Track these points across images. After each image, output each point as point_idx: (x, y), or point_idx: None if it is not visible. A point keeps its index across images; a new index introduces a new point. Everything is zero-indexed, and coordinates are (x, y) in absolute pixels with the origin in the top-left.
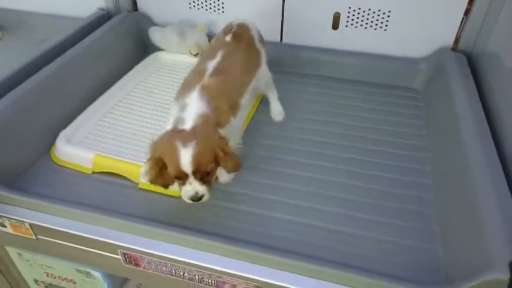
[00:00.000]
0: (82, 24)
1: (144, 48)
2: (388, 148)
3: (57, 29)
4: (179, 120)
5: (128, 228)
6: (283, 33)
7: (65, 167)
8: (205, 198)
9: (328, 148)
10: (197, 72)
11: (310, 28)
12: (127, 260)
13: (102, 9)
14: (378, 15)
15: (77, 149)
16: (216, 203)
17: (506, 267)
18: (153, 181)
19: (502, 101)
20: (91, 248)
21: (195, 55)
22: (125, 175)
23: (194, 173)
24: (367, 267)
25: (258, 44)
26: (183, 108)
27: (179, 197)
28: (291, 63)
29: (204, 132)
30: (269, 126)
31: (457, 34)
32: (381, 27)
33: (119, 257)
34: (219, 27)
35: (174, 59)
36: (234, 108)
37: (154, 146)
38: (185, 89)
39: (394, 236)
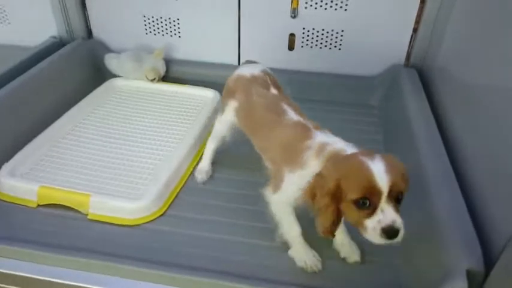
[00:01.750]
0: (31, 53)
1: (100, 75)
2: None
3: (4, 59)
4: (336, 152)
5: (82, 265)
6: (241, 56)
7: (7, 201)
8: (401, 234)
9: None
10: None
11: (266, 50)
12: None
13: (54, 37)
14: (332, 35)
15: (20, 182)
16: (171, 230)
17: (464, 276)
18: (331, 226)
19: (452, 112)
20: None
21: (152, 80)
22: (73, 206)
23: (389, 193)
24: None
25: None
26: (322, 149)
27: (133, 226)
28: None
29: (382, 154)
30: None
31: (407, 51)
32: (335, 46)
33: None
34: (176, 52)
35: (131, 85)
36: None
37: (327, 171)
38: (298, 142)
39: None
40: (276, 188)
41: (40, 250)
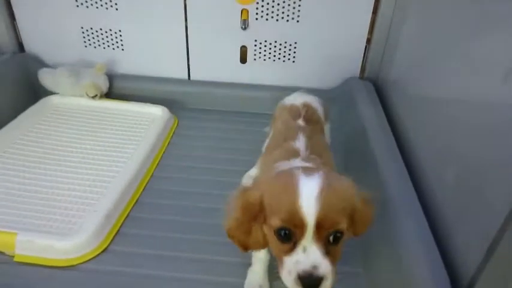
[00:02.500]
0: None
1: (34, 93)
2: None
3: None
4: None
5: None
6: (190, 69)
7: None
8: (326, 285)
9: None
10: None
11: (217, 63)
12: None
13: None
14: (285, 47)
15: None
16: (115, 269)
17: None
18: (234, 232)
19: (406, 121)
20: None
21: (93, 97)
22: None
23: (318, 227)
24: None
25: (323, 121)
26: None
27: (69, 267)
28: (199, 100)
29: (334, 175)
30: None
31: (362, 63)
32: (289, 59)
33: None
34: (118, 66)
35: (69, 102)
36: None
37: (255, 183)
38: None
39: None
40: None
41: None
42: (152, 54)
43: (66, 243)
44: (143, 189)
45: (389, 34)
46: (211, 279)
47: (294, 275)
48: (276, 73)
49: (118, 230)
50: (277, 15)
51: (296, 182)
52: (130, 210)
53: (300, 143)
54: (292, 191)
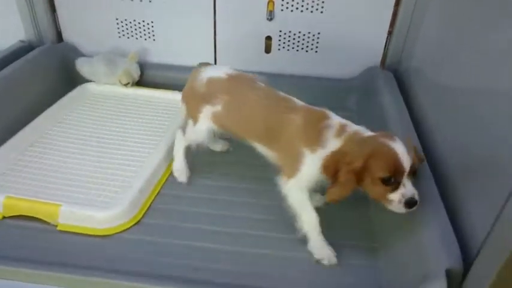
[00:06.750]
0: None
1: (72, 80)
2: None
3: None
4: (356, 134)
5: (53, 280)
6: (217, 59)
7: None
8: (418, 205)
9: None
10: None
11: (243, 53)
12: None
13: (23, 41)
14: (308, 37)
15: None
16: (147, 239)
17: (444, 276)
18: (345, 195)
19: (427, 111)
20: None
21: (126, 85)
22: (42, 217)
23: (409, 170)
24: None
25: None
26: (342, 129)
27: (106, 236)
28: None
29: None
30: None
31: (383, 53)
32: (312, 49)
33: None
34: (150, 55)
35: (104, 90)
36: None
37: (352, 150)
38: (317, 123)
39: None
40: (293, 172)
41: (7, 265)
42: (181, 44)
43: (104, 214)
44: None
45: (410, 25)
46: (232, 249)
47: (403, 201)
48: (298, 63)
49: (150, 205)
50: (302, 6)
51: (392, 145)
52: (161, 188)
53: (300, 102)
54: (393, 151)
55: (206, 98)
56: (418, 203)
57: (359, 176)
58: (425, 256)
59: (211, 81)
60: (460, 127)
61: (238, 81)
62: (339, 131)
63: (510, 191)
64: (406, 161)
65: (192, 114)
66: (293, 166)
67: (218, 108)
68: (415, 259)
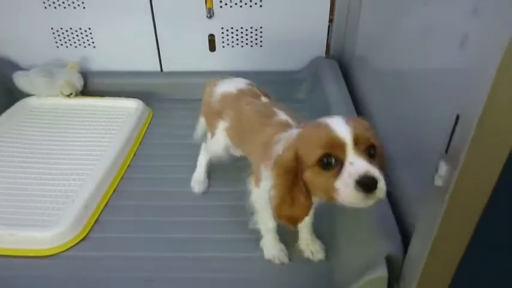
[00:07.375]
0: None
1: (10, 96)
2: None
3: None
4: (291, 134)
5: None
6: (162, 62)
7: None
8: (381, 185)
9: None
10: None
11: (188, 53)
12: None
13: None
14: (251, 33)
15: None
16: (96, 255)
17: (384, 265)
18: (281, 208)
19: (368, 97)
20: None
21: (68, 95)
22: None
23: (355, 143)
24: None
25: None
26: (289, 137)
27: (48, 257)
28: (172, 90)
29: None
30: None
31: (327, 43)
32: (256, 44)
33: None
34: (92, 63)
35: (45, 103)
36: None
37: (287, 145)
38: (273, 137)
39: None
40: (256, 183)
41: None
42: (123, 49)
43: (47, 234)
44: (121, 179)
45: (348, 13)
46: (189, 256)
47: (352, 184)
48: (245, 59)
49: (97, 219)
50: (241, 1)
51: (324, 122)
52: (109, 199)
53: (283, 115)
54: (323, 128)
55: (220, 113)
56: (378, 181)
57: (294, 173)
58: (368, 245)
59: (224, 97)
60: (398, 109)
61: (241, 96)
62: (285, 141)
63: (435, 166)
64: (343, 132)
65: (210, 129)
66: (256, 178)
67: (228, 123)
68: (359, 250)
